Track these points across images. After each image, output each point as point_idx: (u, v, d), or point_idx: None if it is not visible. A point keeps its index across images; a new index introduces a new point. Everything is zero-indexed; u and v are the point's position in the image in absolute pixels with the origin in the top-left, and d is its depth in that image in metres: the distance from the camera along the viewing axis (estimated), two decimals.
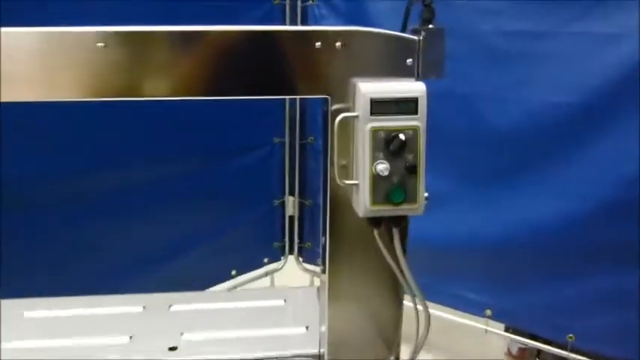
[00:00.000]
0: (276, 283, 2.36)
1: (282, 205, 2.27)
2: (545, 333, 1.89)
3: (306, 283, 2.36)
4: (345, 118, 0.73)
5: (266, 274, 2.30)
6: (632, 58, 1.48)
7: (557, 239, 1.70)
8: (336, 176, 0.74)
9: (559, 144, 1.62)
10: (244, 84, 0.73)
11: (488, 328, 1.96)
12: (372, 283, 0.86)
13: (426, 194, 0.74)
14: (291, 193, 2.24)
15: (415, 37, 0.74)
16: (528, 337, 2.00)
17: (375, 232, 0.78)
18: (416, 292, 0.81)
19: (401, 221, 0.77)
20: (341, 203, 0.80)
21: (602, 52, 1.53)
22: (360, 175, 0.73)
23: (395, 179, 0.72)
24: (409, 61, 0.74)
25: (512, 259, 1.82)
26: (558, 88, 1.60)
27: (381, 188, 0.72)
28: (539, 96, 1.61)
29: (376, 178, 0.72)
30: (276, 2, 1.99)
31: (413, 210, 0.74)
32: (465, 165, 1.77)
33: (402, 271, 0.80)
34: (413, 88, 0.73)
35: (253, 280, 2.27)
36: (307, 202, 2.22)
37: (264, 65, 0.72)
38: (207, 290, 1.98)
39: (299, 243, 2.29)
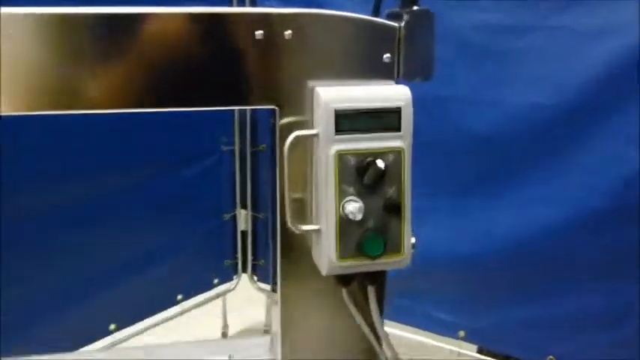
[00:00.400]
0: (229, 305, 2.13)
1: (234, 219, 2.04)
2: (523, 354, 1.73)
3: (262, 304, 2.14)
4: (298, 137, 0.52)
5: (217, 296, 2.06)
6: (620, 54, 1.33)
7: (536, 253, 1.55)
8: (289, 219, 0.53)
9: (541, 149, 1.46)
10: (156, 92, 0.51)
11: (461, 350, 1.79)
12: (339, 340, 0.66)
13: (412, 239, 0.54)
14: (243, 206, 2.01)
15: (395, 24, 0.53)
16: (502, 358, 1.85)
17: (344, 292, 0.57)
18: None
19: (378, 277, 0.56)
20: (298, 245, 0.59)
21: (586, 48, 1.37)
22: (322, 217, 0.52)
23: (371, 223, 0.51)
24: (387, 56, 0.54)
25: (487, 275, 1.66)
26: (540, 87, 1.44)
27: (353, 236, 0.51)
28: (519, 97, 1.44)
29: (345, 223, 0.51)
30: None
31: (396, 263, 0.53)
32: (437, 174, 1.58)
33: (377, 338, 0.59)
34: (394, 94, 0.52)
35: (203, 304, 2.03)
36: (260, 216, 1.99)
37: (184, 65, 0.50)
38: (131, 343, 1.74)
39: (253, 260, 2.06)
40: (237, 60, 0.51)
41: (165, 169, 1.81)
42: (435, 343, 1.83)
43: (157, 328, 1.91)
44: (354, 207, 0.50)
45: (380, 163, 0.50)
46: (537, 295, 1.63)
